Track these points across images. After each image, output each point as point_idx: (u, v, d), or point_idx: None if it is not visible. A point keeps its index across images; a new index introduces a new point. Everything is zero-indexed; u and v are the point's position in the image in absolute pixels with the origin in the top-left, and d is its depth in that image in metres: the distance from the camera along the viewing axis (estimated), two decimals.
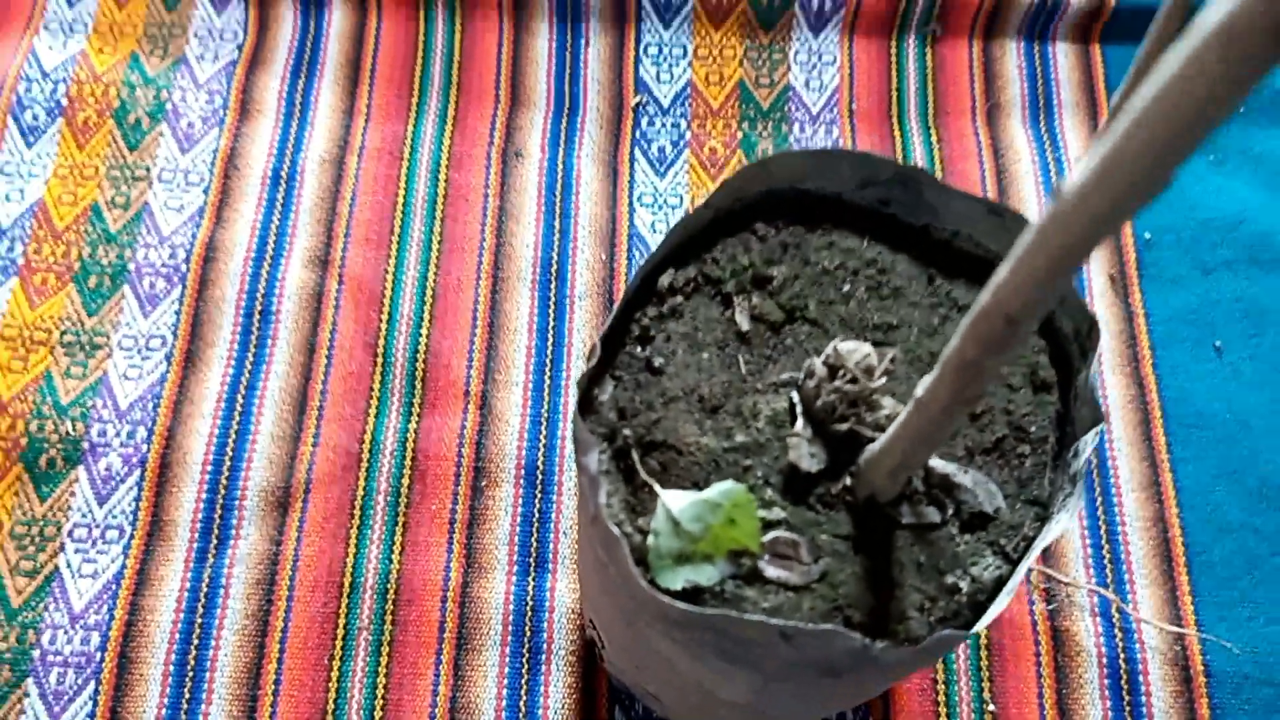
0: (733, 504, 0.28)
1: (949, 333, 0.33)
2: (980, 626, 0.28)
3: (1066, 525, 0.30)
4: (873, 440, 0.29)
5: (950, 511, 0.30)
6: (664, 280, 0.33)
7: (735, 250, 0.34)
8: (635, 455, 0.30)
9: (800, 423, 0.30)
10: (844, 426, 0.29)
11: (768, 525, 0.29)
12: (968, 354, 0.20)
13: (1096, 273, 0.61)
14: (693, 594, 0.29)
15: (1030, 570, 0.54)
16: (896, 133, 0.64)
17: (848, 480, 0.30)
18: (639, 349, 0.32)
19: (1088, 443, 0.29)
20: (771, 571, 0.29)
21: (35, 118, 0.64)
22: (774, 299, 0.33)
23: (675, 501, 0.28)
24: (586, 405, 0.31)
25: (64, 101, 0.64)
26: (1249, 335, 0.60)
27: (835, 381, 0.29)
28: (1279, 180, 0.64)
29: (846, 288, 0.34)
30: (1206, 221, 0.63)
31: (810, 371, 0.30)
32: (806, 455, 0.30)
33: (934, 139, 0.64)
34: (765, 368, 0.32)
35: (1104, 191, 0.15)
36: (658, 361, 0.32)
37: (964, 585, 0.29)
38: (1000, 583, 0.29)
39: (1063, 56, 0.67)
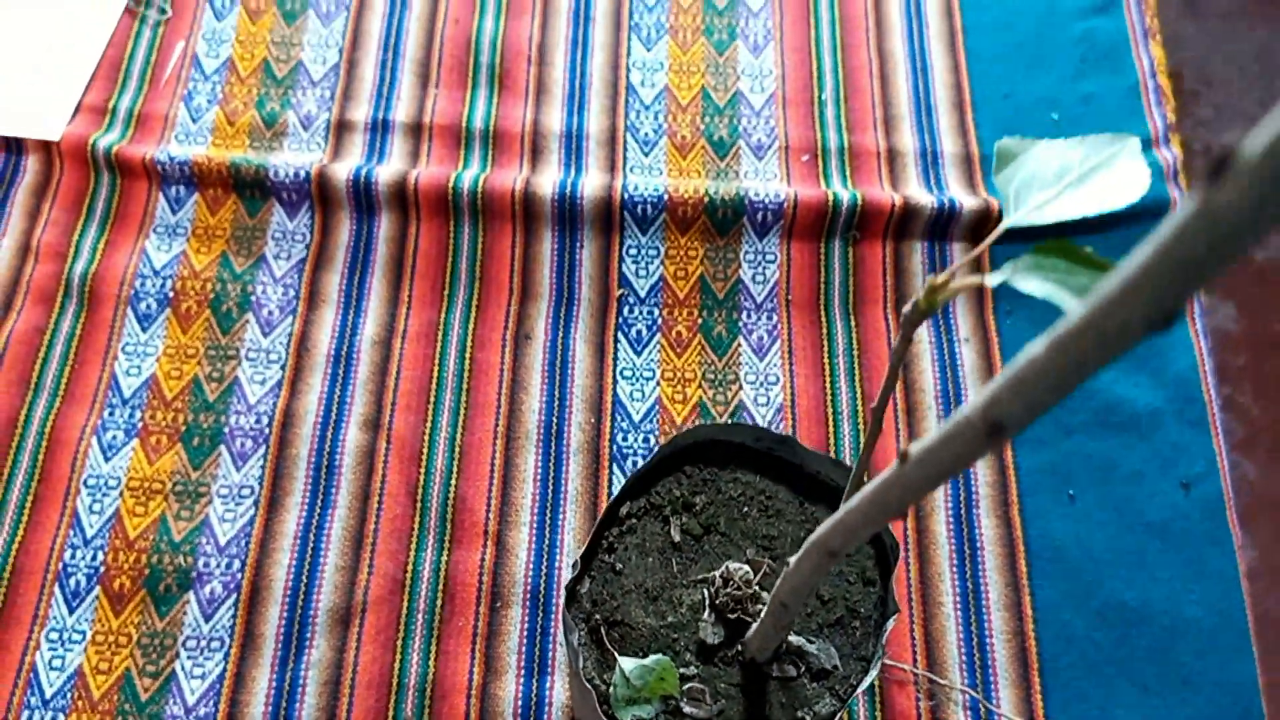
0: (662, 668, 0.46)
1: None
2: None
3: (875, 674, 0.47)
4: (751, 623, 0.47)
5: (803, 669, 0.48)
6: (623, 510, 0.51)
7: (671, 485, 0.52)
8: (603, 632, 0.48)
9: (707, 611, 0.48)
10: (734, 615, 0.47)
11: (685, 679, 0.47)
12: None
13: None
14: None
15: (917, 675, 0.71)
16: (823, 318, 0.82)
17: (738, 648, 0.48)
18: (607, 557, 0.50)
19: (889, 624, 0.47)
20: (687, 709, 0.47)
21: (149, 307, 0.82)
22: (697, 518, 0.51)
23: (627, 664, 0.46)
24: (571, 598, 0.48)
25: (170, 294, 0.82)
26: (1097, 484, 0.78)
27: (727, 588, 0.47)
28: (1130, 355, 0.81)
29: (746, 509, 0.52)
30: None
31: (714, 580, 0.48)
32: (710, 633, 0.47)
33: (852, 324, 0.82)
34: (690, 568, 0.50)
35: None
36: (619, 566, 0.50)
37: (809, 718, 0.47)
38: (833, 715, 0.47)
39: (958, 254, 0.85)
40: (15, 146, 0.87)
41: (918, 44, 0.93)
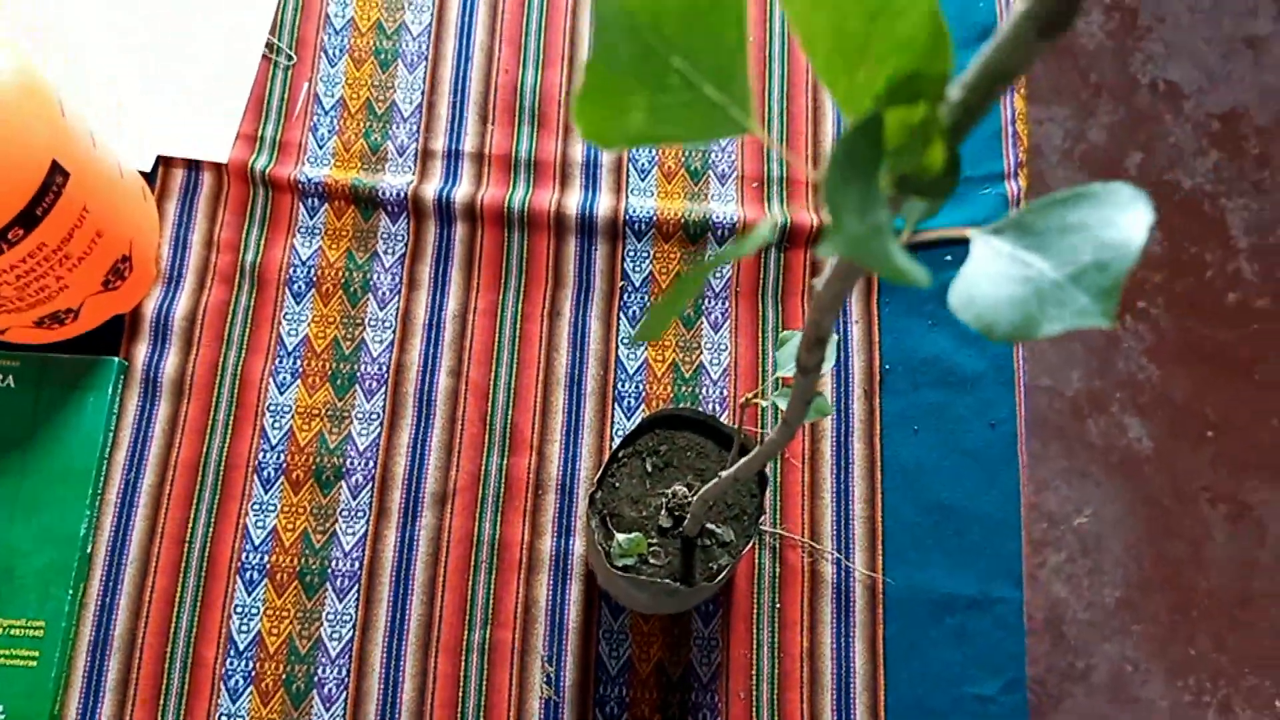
0: (637, 540, 0.89)
1: None
2: (718, 582, 0.88)
3: (749, 544, 0.90)
4: (685, 518, 0.90)
5: (713, 541, 0.91)
6: (620, 453, 0.93)
7: (646, 440, 0.94)
8: (607, 519, 0.91)
9: (664, 511, 0.91)
10: (678, 513, 0.90)
11: (650, 545, 0.90)
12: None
13: (856, 386, 1.20)
14: (626, 569, 0.89)
15: (802, 542, 1.15)
16: (759, 304, 1.23)
17: (680, 530, 0.91)
18: (611, 479, 0.93)
19: (762, 518, 0.90)
20: (651, 561, 0.90)
21: (299, 288, 1.22)
22: (661, 458, 0.94)
23: (620, 537, 0.89)
24: (591, 501, 0.91)
25: (314, 279, 1.23)
26: (934, 423, 1.20)
27: (674, 499, 0.90)
28: (965, 335, 1.22)
29: (688, 454, 0.94)
30: (921, 360, 1.22)
31: (668, 494, 0.90)
32: (665, 521, 0.90)
33: (780, 309, 1.23)
34: (656, 487, 0.93)
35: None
36: (616, 484, 0.92)
37: (714, 567, 0.90)
38: (729, 565, 0.90)
39: None
40: (195, 165, 1.26)
41: None
